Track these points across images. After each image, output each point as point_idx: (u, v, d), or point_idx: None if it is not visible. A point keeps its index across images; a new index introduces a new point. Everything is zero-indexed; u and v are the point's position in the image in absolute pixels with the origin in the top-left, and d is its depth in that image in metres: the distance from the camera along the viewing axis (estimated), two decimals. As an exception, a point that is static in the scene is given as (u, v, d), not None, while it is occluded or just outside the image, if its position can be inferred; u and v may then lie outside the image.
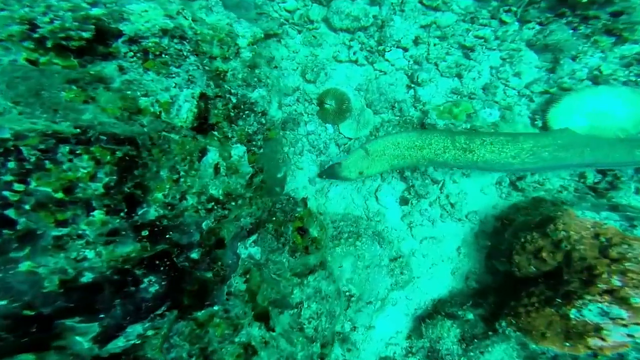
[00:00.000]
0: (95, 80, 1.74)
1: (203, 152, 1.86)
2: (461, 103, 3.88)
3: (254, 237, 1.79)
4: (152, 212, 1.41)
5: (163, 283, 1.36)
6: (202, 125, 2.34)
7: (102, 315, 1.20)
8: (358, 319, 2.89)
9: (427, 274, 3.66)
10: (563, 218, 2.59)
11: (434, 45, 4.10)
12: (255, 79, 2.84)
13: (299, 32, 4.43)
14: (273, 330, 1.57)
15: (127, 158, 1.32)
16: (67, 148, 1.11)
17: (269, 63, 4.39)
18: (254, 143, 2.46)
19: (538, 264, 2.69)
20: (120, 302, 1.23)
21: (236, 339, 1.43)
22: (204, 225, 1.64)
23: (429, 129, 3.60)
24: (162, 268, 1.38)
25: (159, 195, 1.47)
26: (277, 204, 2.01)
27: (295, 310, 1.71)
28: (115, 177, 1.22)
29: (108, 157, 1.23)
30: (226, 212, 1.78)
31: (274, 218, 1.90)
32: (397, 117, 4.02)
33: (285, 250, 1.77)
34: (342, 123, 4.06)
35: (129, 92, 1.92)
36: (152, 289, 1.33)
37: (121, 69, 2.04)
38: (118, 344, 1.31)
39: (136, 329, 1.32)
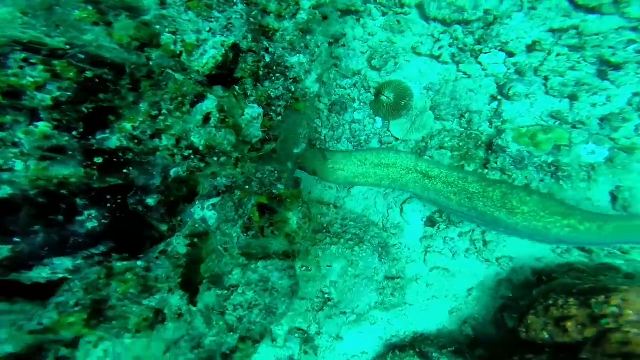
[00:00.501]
0: (123, 7, 1.68)
1: (200, 98, 1.70)
2: (554, 130, 2.88)
3: (215, 200, 1.59)
4: (114, 141, 1.31)
5: (104, 222, 1.27)
6: (226, 77, 2.19)
7: (17, 240, 1.14)
8: (325, 325, 2.57)
9: (422, 304, 3.11)
10: (626, 294, 2.17)
11: (557, 55, 3.13)
12: (303, 45, 2.56)
13: (384, 14, 3.92)
14: (194, 305, 1.39)
15: (96, 80, 1.22)
16: (22, 56, 1.05)
17: (338, 40, 4.05)
18: (273, 108, 2.22)
19: (556, 332, 2.32)
20: (43, 230, 1.16)
21: (145, 302, 1.29)
22: (172, 172, 1.51)
23: (395, 149, 3.13)
24: (109, 205, 1.29)
25: (128, 125, 1.36)
26: (258, 173, 1.76)
27: (226, 292, 1.48)
28: (70, 94, 1.13)
29: (72, 74, 1.14)
30: (202, 165, 1.61)
31: (247, 187, 1.66)
32: (462, 130, 3.32)
33: (239, 224, 1.53)
34: (394, 120, 3.54)
35: (157, 27, 1.84)
36: (90, 225, 1.25)
37: (162, 3, 1.97)
38: (42, 274, 1.26)
39: (65, 262, 1.26)
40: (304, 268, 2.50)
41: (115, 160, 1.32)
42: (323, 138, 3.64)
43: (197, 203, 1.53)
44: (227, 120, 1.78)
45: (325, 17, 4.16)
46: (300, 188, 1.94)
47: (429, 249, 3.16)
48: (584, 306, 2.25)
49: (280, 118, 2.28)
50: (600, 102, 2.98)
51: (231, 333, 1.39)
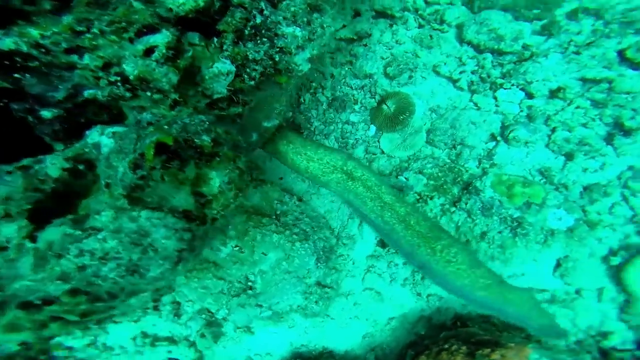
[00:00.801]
0: None
1: (151, 30, 1.44)
2: (533, 185, 2.58)
3: (119, 128, 1.31)
4: (8, 43, 1.08)
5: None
6: (208, 26, 1.93)
7: None
8: (235, 312, 2.30)
9: (343, 321, 2.84)
10: (509, 350, 2.07)
11: (576, 107, 2.80)
12: (305, 20, 2.25)
13: (420, 26, 3.56)
14: (33, 241, 1.13)
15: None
16: None
17: (361, 38, 3.71)
18: (247, 70, 1.94)
19: (435, 375, 2.17)
20: None
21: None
22: (86, 92, 1.27)
23: (327, 146, 2.84)
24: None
25: (35, 32, 1.12)
26: (186, 119, 1.47)
27: (80, 233, 1.17)
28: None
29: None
30: (129, 94, 1.36)
31: (166, 127, 1.38)
32: (448, 161, 2.95)
33: (128, 159, 1.27)
34: (388, 132, 3.20)
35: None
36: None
37: None
38: None
39: None
40: (237, 248, 2.24)
41: (7, 62, 1.09)
42: (313, 130, 3.34)
43: (97, 127, 1.28)
44: (177, 61, 1.52)
45: (358, 14, 3.83)
46: (240, 154, 1.66)
47: (371, 269, 2.87)
48: (470, 356, 2.12)
49: (253, 83, 2.00)
50: (593, 168, 2.68)
51: (59, 282, 1.11)
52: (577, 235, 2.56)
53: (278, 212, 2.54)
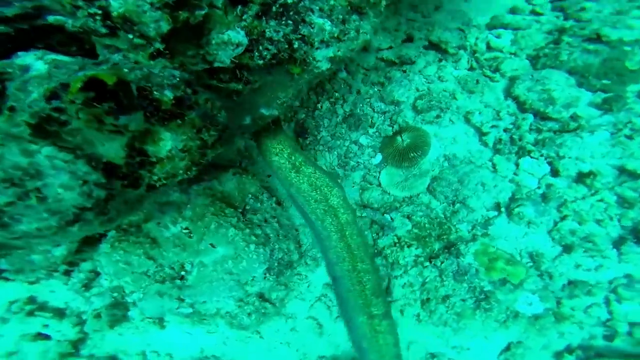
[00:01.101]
0: None
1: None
2: (517, 266, 2.36)
3: (63, 57, 1.10)
4: None
5: None
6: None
7: None
8: (148, 299, 1.95)
9: (272, 344, 2.54)
10: None
11: (599, 200, 2.53)
12: (340, 18, 2.05)
13: (471, 68, 3.30)
14: None
15: None
16: None
17: (403, 63, 3.48)
18: (260, 48, 1.75)
19: None
20: None
21: None
22: (51, 18, 1.08)
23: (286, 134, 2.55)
24: None
25: None
26: (156, 69, 1.25)
27: None
28: None
29: None
30: (104, 30, 1.17)
31: (126, 70, 1.14)
32: (442, 216, 2.65)
33: (48, 85, 0.97)
34: (392, 166, 2.92)
35: None
36: None
37: None
38: None
39: None
40: (186, 231, 2.00)
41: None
42: (319, 139, 3.10)
43: (38, 51, 1.08)
44: (177, 12, 1.33)
45: (410, 39, 3.61)
46: (210, 127, 1.44)
47: (322, 297, 2.60)
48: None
49: (261, 62, 1.80)
50: (587, 267, 2.44)
51: None
52: (539, 324, 2.34)
53: (247, 207, 2.31)
